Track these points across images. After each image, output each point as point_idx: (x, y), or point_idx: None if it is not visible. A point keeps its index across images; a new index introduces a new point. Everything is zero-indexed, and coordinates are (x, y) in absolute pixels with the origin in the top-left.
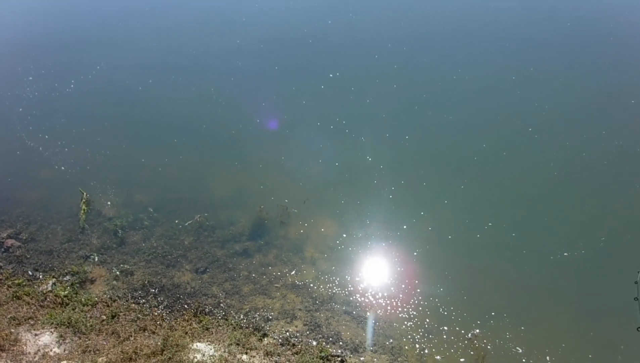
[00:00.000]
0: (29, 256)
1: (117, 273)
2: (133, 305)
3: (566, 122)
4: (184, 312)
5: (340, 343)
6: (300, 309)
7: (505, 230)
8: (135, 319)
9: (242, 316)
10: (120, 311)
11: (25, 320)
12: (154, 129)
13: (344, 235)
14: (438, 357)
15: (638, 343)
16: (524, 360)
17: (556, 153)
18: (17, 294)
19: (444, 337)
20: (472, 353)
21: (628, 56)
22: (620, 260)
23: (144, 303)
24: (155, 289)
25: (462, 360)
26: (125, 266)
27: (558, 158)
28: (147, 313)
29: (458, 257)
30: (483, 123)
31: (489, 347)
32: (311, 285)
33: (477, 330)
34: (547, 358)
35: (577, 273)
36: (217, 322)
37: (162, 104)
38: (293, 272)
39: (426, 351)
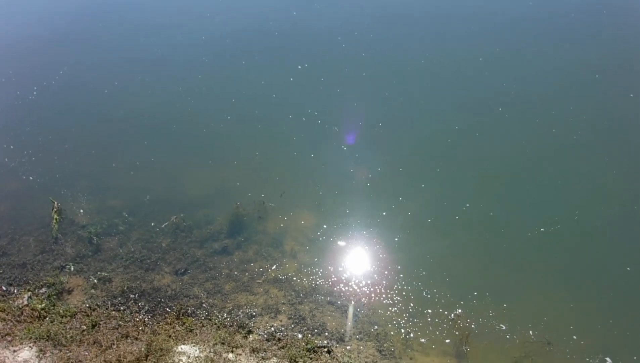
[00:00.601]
0: (1, 271)
1: (95, 281)
2: (113, 312)
3: (534, 100)
4: (166, 315)
5: (326, 334)
6: (283, 303)
7: (483, 210)
8: (117, 326)
9: (225, 315)
10: (101, 320)
11: (2, 337)
12: (123, 132)
13: (324, 226)
14: (423, 340)
15: (616, 311)
16: (507, 337)
17: (526, 131)
18: None
19: (429, 319)
20: (456, 333)
21: (591, 32)
22: (595, 233)
23: (124, 309)
24: (135, 294)
25: (447, 341)
26: (103, 273)
27: (528, 136)
28: (128, 319)
29: (438, 240)
30: (454, 106)
31: (472, 325)
32: (293, 278)
33: (460, 310)
34: (530, 332)
35: (554, 247)
36: (201, 322)
37: (129, 106)
38: (274, 267)
39: (411, 335)
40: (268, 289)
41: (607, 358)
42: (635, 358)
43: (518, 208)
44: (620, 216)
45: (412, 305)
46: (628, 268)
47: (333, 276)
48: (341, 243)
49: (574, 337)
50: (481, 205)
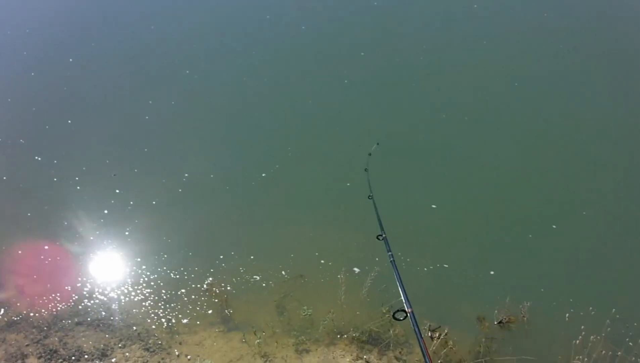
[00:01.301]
0: None
1: None
2: None
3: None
4: None
5: (86, 356)
6: (27, 345)
7: (204, 174)
8: None
9: None
10: None
11: None
12: None
13: (45, 247)
14: (185, 320)
15: (350, 226)
16: (264, 285)
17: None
18: None
19: (185, 299)
20: (215, 300)
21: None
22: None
23: None
24: None
25: (209, 312)
26: None
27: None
28: None
29: (167, 219)
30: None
31: (228, 287)
32: (30, 314)
33: (211, 278)
34: (283, 273)
35: (276, 186)
36: None
37: None
38: (2, 311)
39: (173, 321)
40: (4, 337)
41: (355, 269)
42: (377, 259)
43: (237, 159)
44: None
45: (164, 291)
46: (348, 184)
47: (73, 294)
48: (68, 257)
49: (322, 262)
50: (199, 167)
